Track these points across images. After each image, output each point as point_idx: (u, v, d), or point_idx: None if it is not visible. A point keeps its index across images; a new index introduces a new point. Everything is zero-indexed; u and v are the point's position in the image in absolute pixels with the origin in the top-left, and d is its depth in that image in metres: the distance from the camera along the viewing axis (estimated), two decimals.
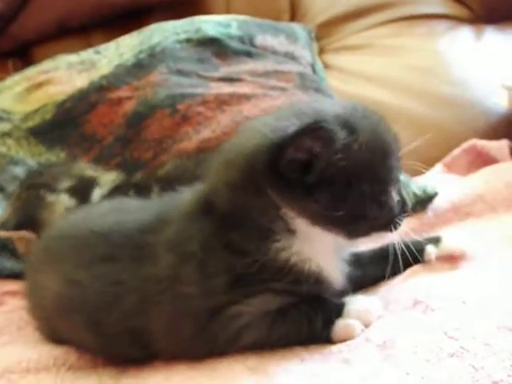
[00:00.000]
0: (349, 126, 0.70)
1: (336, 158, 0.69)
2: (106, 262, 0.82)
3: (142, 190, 1.20)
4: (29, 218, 1.21)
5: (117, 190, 1.25)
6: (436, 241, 0.90)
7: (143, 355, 0.81)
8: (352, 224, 0.73)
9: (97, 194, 1.25)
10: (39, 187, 1.25)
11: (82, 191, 1.25)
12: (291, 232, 0.74)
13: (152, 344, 0.79)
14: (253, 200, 0.73)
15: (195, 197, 0.80)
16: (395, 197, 0.76)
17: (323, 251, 0.77)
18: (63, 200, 1.23)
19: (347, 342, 0.72)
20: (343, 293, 0.79)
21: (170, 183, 1.03)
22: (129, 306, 0.78)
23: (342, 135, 0.69)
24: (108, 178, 1.30)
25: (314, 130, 0.68)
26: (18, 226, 1.20)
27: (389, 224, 0.76)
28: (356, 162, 0.70)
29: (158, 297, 0.76)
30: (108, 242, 0.84)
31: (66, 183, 1.26)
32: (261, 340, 0.74)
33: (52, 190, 1.24)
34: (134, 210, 0.89)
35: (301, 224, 0.73)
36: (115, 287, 0.80)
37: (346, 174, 0.70)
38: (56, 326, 0.93)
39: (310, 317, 0.74)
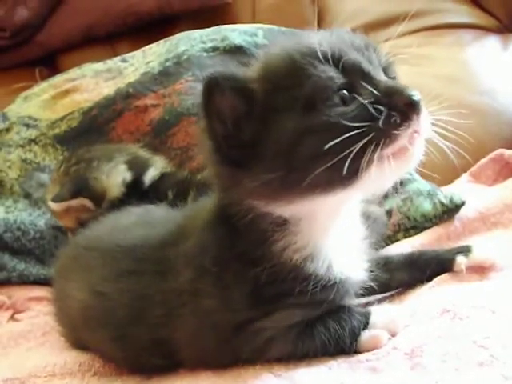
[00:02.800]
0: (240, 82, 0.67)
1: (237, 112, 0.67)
2: (131, 275, 0.83)
3: (181, 191, 1.19)
4: (84, 185, 1.20)
5: (163, 180, 1.26)
6: (466, 250, 0.89)
7: (168, 365, 0.81)
8: (309, 171, 0.63)
9: (151, 173, 1.25)
10: (91, 160, 1.24)
11: (138, 166, 1.25)
12: (284, 226, 0.71)
13: (177, 354, 0.79)
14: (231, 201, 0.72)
15: (211, 206, 0.78)
16: (348, 104, 0.64)
17: (332, 243, 0.73)
18: (121, 170, 1.23)
19: (374, 351, 0.71)
20: (367, 292, 0.78)
21: (207, 189, 1.02)
22: (154, 319, 0.79)
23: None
24: (160, 162, 1.31)
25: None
26: (75, 194, 1.19)
27: (367, 138, 0.61)
28: (261, 100, 0.67)
29: (181, 310, 0.76)
30: (133, 256, 0.84)
31: (122, 158, 1.26)
32: (287, 354, 0.73)
33: (108, 160, 1.24)
34: (158, 223, 0.89)
35: (277, 210, 0.69)
36: (140, 301, 0.80)
37: (258, 120, 0.67)
38: (81, 334, 0.93)
39: (336, 332, 0.72)
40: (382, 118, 0.62)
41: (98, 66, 1.66)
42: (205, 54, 1.58)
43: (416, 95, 0.64)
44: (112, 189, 1.21)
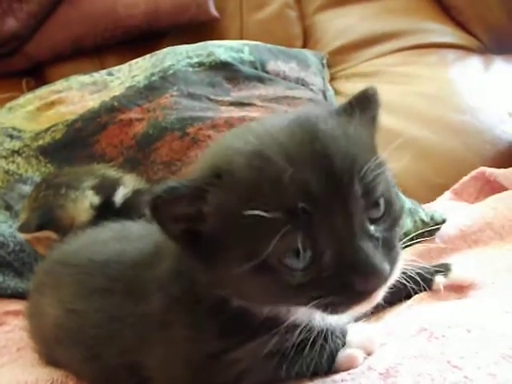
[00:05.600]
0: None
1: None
2: (104, 294, 0.80)
3: None
4: (50, 217, 1.18)
5: (138, 196, 1.24)
6: (445, 269, 0.89)
7: None
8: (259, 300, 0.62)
9: (121, 192, 1.23)
10: (59, 186, 1.22)
11: (106, 189, 1.23)
12: None
13: (148, 381, 0.76)
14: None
15: None
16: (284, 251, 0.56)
17: None
18: (88, 196, 1.21)
19: (350, 371, 0.70)
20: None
21: None
22: (124, 342, 0.76)
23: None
24: (131, 180, 1.29)
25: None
26: (40, 227, 1.17)
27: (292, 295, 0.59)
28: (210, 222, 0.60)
29: (152, 336, 0.73)
30: (106, 273, 0.81)
31: (89, 182, 1.24)
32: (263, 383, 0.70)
33: (75, 187, 1.22)
34: (135, 239, 0.85)
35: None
36: (112, 321, 0.77)
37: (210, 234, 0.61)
38: (54, 352, 0.91)
39: (313, 360, 0.69)
40: (330, 297, 0.57)
41: (85, 78, 1.66)
42: (190, 69, 1.59)
43: (381, 278, 0.56)
44: (80, 214, 1.19)
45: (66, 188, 1.22)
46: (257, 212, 0.54)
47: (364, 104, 0.66)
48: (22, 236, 1.23)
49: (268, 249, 0.55)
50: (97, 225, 1.00)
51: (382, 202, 0.60)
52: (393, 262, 0.58)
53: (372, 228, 0.58)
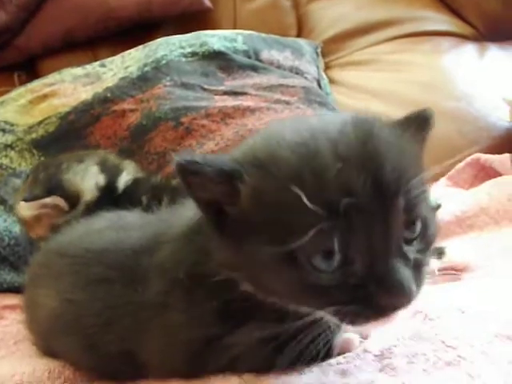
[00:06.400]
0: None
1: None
2: (101, 283, 0.79)
3: (156, 196, 1.15)
4: (57, 182, 1.15)
5: (136, 186, 1.22)
6: (439, 253, 0.89)
7: (138, 375, 0.78)
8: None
9: (123, 178, 1.21)
10: (59, 164, 1.19)
11: (110, 170, 1.21)
12: None
13: (146, 366, 0.76)
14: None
15: (192, 214, 0.70)
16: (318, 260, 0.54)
17: None
18: (93, 171, 1.19)
19: (345, 354, 0.70)
20: None
21: (181, 194, 0.99)
22: (123, 328, 0.76)
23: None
24: (131, 167, 1.27)
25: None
26: (48, 191, 1.13)
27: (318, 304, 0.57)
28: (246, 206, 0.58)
29: (149, 323, 0.73)
30: (103, 262, 0.81)
31: (92, 160, 1.22)
32: (256, 369, 0.69)
33: (78, 161, 1.19)
34: (132, 228, 0.85)
35: None
36: (110, 310, 0.77)
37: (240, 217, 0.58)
38: (51, 343, 0.91)
39: (311, 348, 0.65)
40: (352, 305, 0.55)
41: (77, 70, 1.66)
42: (184, 59, 1.58)
43: (406, 298, 0.55)
44: (86, 193, 1.16)
45: (68, 162, 1.19)
46: (298, 197, 0.52)
47: (419, 123, 0.64)
48: (26, 209, 1.15)
49: (301, 240, 0.52)
50: (96, 211, 0.99)
51: (418, 223, 0.58)
52: (419, 285, 0.57)
53: (405, 247, 0.56)
